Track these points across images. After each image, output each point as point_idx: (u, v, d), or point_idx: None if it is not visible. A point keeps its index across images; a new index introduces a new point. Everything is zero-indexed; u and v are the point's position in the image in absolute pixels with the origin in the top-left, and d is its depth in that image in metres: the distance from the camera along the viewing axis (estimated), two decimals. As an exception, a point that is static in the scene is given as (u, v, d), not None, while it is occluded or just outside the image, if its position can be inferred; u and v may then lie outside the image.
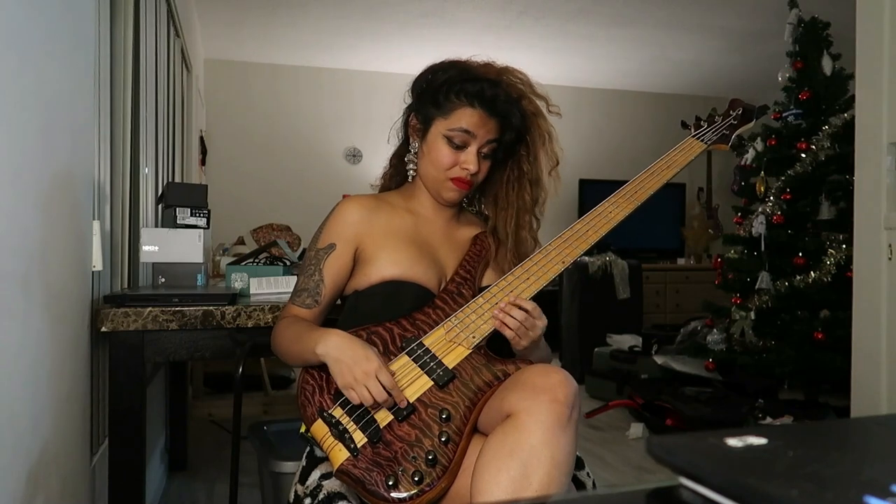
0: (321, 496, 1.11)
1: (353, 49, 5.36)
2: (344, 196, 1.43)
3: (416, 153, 1.34)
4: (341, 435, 1.08)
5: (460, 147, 1.26)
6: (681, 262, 6.25)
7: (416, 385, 1.11)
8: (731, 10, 4.48)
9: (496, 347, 1.18)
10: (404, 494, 1.01)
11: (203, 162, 5.10)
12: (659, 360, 3.75)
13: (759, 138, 3.51)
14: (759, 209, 3.39)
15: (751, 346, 3.31)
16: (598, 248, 4.77)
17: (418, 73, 1.34)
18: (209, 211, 1.89)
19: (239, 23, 4.79)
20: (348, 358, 1.08)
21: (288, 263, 2.07)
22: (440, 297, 1.23)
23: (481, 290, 1.23)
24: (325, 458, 1.14)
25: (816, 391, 3.40)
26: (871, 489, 0.30)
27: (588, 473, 1.24)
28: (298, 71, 5.81)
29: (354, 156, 5.96)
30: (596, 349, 4.33)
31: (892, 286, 1.91)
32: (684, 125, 1.48)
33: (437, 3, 4.39)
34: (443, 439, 1.05)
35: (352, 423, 1.09)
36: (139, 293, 1.59)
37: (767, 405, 3.15)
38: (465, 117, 1.25)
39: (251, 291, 1.87)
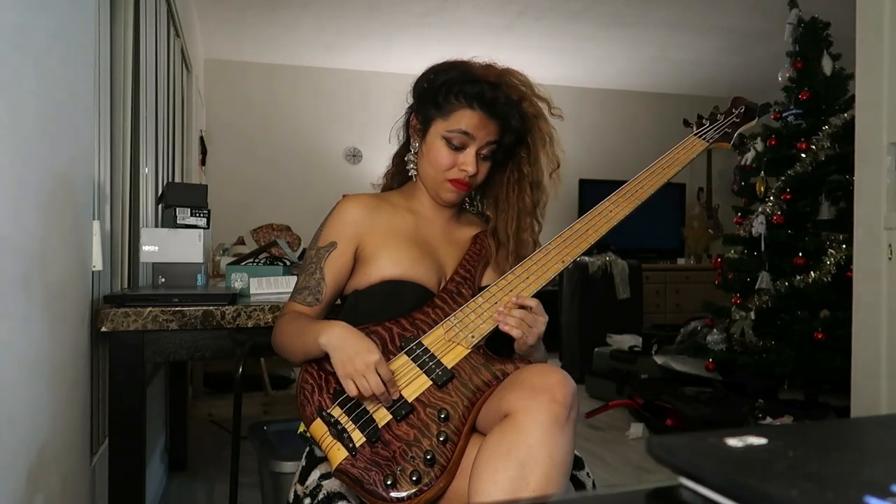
0: (321, 496, 1.11)
1: (353, 49, 5.36)
2: (344, 195, 1.43)
3: (416, 153, 1.34)
4: (340, 434, 1.08)
5: (459, 148, 1.26)
6: (681, 262, 6.25)
7: (414, 385, 1.11)
8: (731, 10, 4.48)
9: (495, 347, 1.18)
10: (402, 494, 1.00)
11: (203, 162, 5.10)
12: (659, 360, 3.75)
13: (759, 138, 3.51)
14: (759, 209, 3.39)
15: (751, 346, 3.31)
16: (599, 248, 4.79)
17: (419, 74, 1.34)
18: (209, 211, 1.89)
19: (239, 23, 4.79)
20: (350, 348, 1.08)
21: (288, 263, 2.07)
22: (440, 297, 1.23)
23: (481, 289, 1.23)
24: (325, 458, 1.14)
25: (816, 391, 3.40)
26: (871, 489, 0.30)
27: (588, 473, 1.24)
28: (298, 71, 5.81)
29: (354, 156, 5.96)
30: (596, 349, 4.34)
31: (892, 286, 1.91)
32: (686, 123, 1.48)
33: (437, 3, 4.39)
34: (441, 439, 1.04)
35: (350, 422, 1.09)
36: (139, 293, 1.59)
37: (767, 405, 3.15)
38: (465, 119, 1.25)
39: (251, 291, 1.87)
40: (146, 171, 2.33)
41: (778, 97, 3.56)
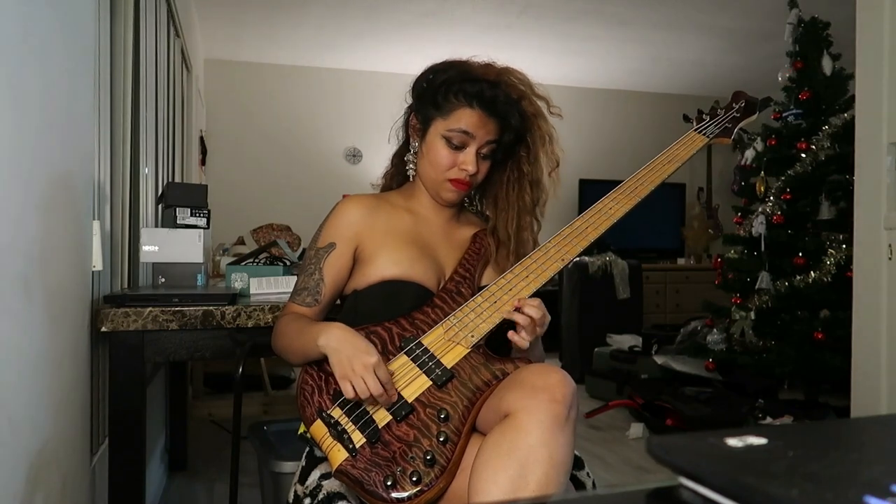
0: (321, 496, 1.11)
1: (353, 49, 5.36)
2: (344, 196, 1.43)
3: (415, 153, 1.34)
4: (340, 435, 1.08)
5: (459, 148, 1.26)
6: (681, 262, 6.25)
7: (414, 385, 1.11)
8: (731, 10, 4.48)
9: (495, 346, 1.18)
10: (403, 494, 1.00)
11: (203, 162, 5.10)
12: (659, 360, 3.75)
13: (759, 138, 3.51)
14: (759, 209, 3.39)
15: (751, 346, 3.31)
16: (598, 247, 4.80)
17: (419, 74, 1.34)
18: (209, 211, 1.89)
19: (239, 23, 4.79)
20: (348, 350, 1.08)
21: (288, 263, 2.07)
22: (439, 297, 1.23)
23: (480, 288, 1.23)
24: (325, 459, 1.14)
25: (816, 391, 3.40)
26: (871, 489, 0.30)
27: (588, 473, 1.24)
28: (298, 71, 5.81)
29: (354, 156, 5.96)
30: (596, 349, 4.34)
31: (892, 286, 1.91)
32: (686, 119, 1.47)
33: (437, 2, 4.39)
34: (441, 439, 1.04)
35: (350, 423, 1.09)
36: (139, 293, 1.59)
37: (767, 405, 3.15)
38: (464, 118, 1.25)
39: (251, 291, 1.87)
40: (146, 171, 2.33)
41: (778, 97, 3.56)
